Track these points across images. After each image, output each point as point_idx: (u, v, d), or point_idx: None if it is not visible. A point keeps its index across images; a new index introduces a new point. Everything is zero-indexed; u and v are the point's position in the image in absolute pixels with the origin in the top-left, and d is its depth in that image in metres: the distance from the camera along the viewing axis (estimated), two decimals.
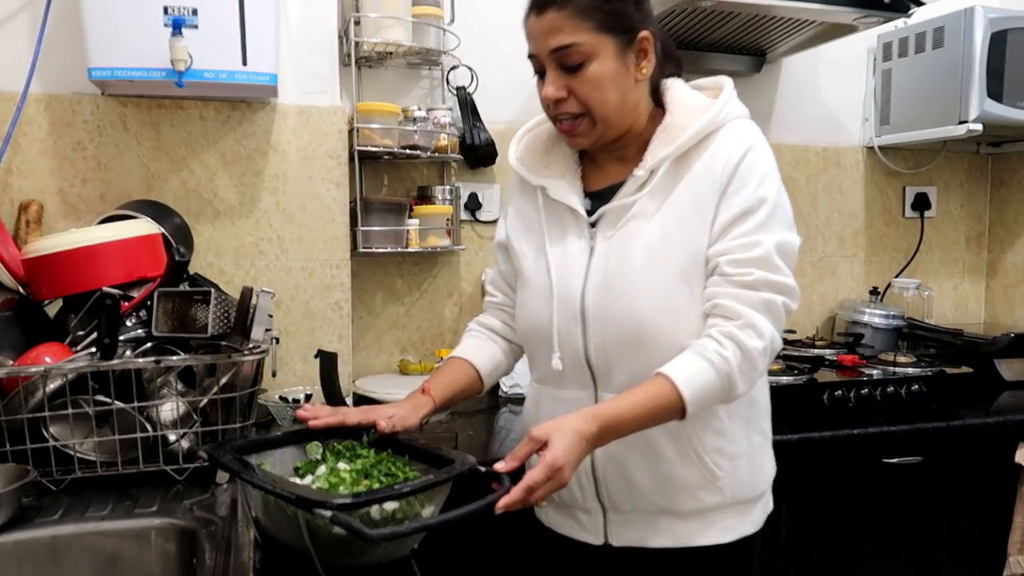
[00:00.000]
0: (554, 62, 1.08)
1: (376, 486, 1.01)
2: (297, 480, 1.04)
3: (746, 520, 1.19)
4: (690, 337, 1.07)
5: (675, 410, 1.02)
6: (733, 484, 1.15)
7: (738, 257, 1.05)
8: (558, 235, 1.18)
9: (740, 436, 1.16)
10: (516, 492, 0.92)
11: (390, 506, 0.94)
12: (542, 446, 0.96)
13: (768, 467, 1.24)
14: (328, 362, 1.25)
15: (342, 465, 1.06)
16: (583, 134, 1.12)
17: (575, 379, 1.16)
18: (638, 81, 1.12)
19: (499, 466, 0.96)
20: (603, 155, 1.19)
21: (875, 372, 1.87)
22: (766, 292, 1.04)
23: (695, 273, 1.09)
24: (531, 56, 1.12)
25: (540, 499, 0.94)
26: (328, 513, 0.84)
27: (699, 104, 1.13)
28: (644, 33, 1.10)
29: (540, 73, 1.13)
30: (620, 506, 1.17)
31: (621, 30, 1.08)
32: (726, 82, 1.17)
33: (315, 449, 1.13)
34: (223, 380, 1.32)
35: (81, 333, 1.38)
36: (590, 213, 1.16)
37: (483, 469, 0.98)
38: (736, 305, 1.04)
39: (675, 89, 1.17)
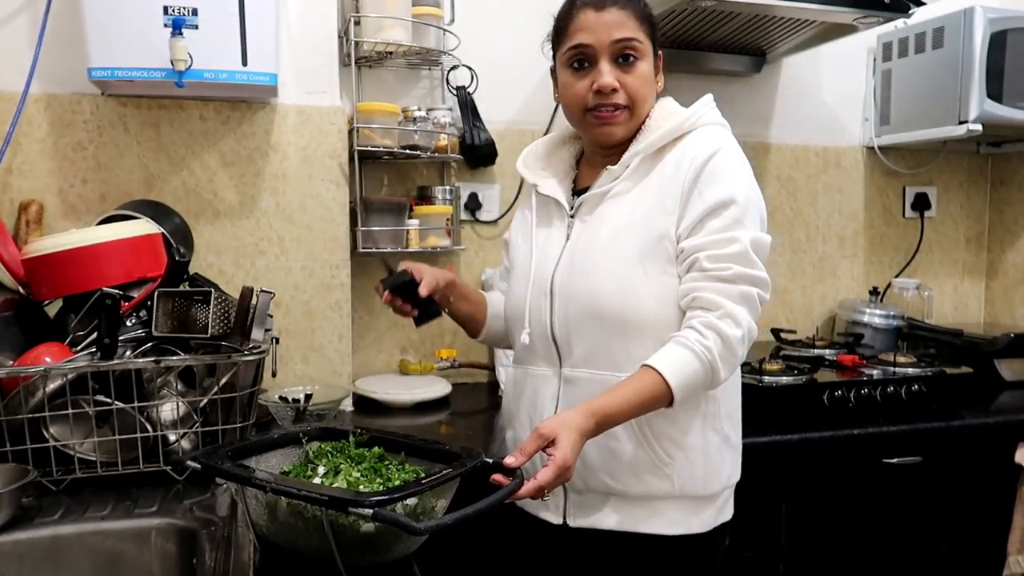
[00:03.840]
0: (611, 54, 1.17)
1: (396, 483, 1.02)
2: None
3: (696, 518, 1.21)
4: (641, 316, 1.15)
5: (663, 399, 1.09)
6: (683, 476, 1.18)
7: (716, 253, 1.11)
8: (544, 226, 1.30)
9: (694, 429, 1.19)
10: (527, 490, 0.98)
11: (411, 501, 0.96)
12: (549, 443, 1.01)
13: (726, 469, 1.24)
14: (401, 279, 1.23)
15: (345, 466, 1.06)
16: (621, 123, 1.20)
17: (543, 355, 1.24)
18: (656, 92, 1.24)
19: (508, 460, 1.00)
20: (599, 160, 1.28)
21: (875, 372, 1.87)
22: (743, 285, 1.11)
23: (652, 256, 1.16)
24: (581, 46, 1.18)
25: (547, 494, 1.01)
26: (369, 511, 0.85)
27: (677, 110, 1.24)
28: (659, 52, 1.24)
29: (580, 66, 1.20)
30: (575, 484, 1.21)
31: (655, 42, 1.22)
32: (705, 96, 1.25)
33: (316, 451, 1.14)
34: (223, 380, 1.32)
35: (81, 333, 1.38)
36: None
37: (491, 461, 1.03)
38: (715, 297, 1.10)
39: (662, 102, 1.26)
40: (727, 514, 1.26)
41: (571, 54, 1.19)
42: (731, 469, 1.26)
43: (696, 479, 1.19)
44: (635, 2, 1.19)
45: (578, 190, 1.29)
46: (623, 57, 1.17)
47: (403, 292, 1.22)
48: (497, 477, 0.98)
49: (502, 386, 1.98)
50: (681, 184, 1.15)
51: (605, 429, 1.07)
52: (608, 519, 1.21)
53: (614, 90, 1.17)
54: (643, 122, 1.23)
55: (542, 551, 1.29)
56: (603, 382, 1.15)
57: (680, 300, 1.15)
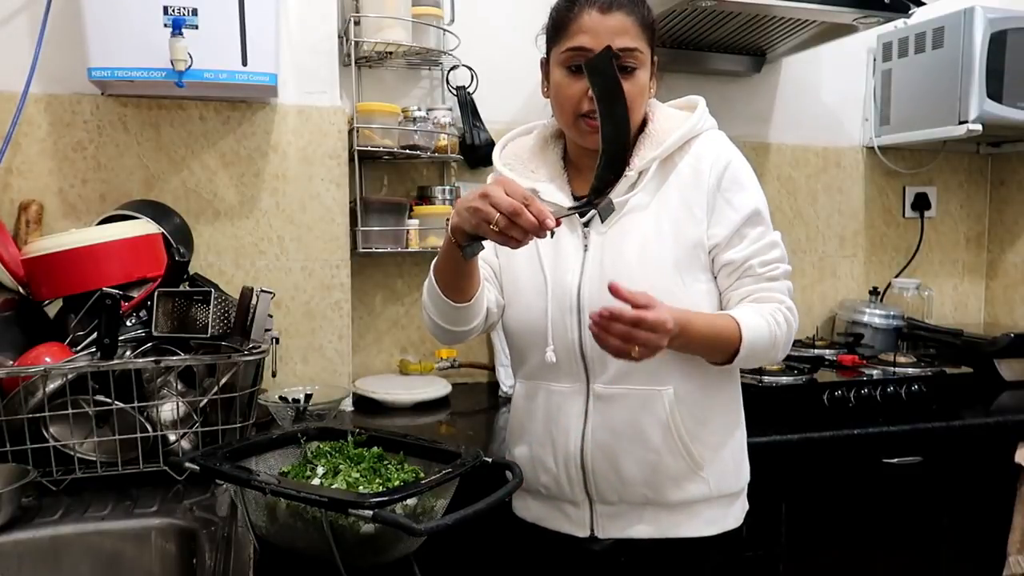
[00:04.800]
0: None
1: (395, 483, 1.02)
2: None
3: (728, 514, 1.24)
4: None
5: (731, 347, 1.12)
6: (717, 475, 1.21)
7: (765, 258, 1.18)
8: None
9: (723, 428, 1.23)
10: (628, 315, 0.98)
11: (411, 501, 0.96)
12: (644, 307, 1.00)
13: (746, 464, 1.29)
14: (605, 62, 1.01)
15: (344, 467, 1.07)
16: None
17: (568, 371, 1.21)
18: (648, 99, 1.22)
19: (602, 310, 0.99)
20: (587, 163, 1.24)
21: (875, 372, 1.87)
22: (786, 281, 1.20)
23: (687, 265, 1.17)
24: (581, 49, 1.14)
25: (631, 348, 1.00)
26: (369, 512, 0.85)
27: (677, 116, 1.23)
28: (655, 58, 1.22)
29: (576, 68, 1.15)
30: (607, 497, 1.21)
31: (653, 49, 1.20)
32: (699, 100, 1.26)
33: (315, 451, 1.14)
34: (223, 380, 1.32)
35: (81, 333, 1.37)
36: (581, 214, 1.20)
37: (490, 460, 1.07)
38: (774, 294, 1.18)
39: (654, 106, 1.26)
40: (747, 504, 1.30)
41: (569, 55, 1.15)
42: (748, 462, 1.30)
43: (728, 476, 1.23)
44: (639, 8, 1.16)
45: (577, 196, 1.23)
46: (622, 67, 1.14)
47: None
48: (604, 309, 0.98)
49: (502, 386, 1.98)
50: (706, 192, 1.16)
51: (682, 342, 1.06)
52: (643, 528, 1.20)
53: None
54: (641, 128, 1.21)
55: (566, 566, 1.27)
56: (641, 396, 1.17)
57: (731, 305, 1.18)
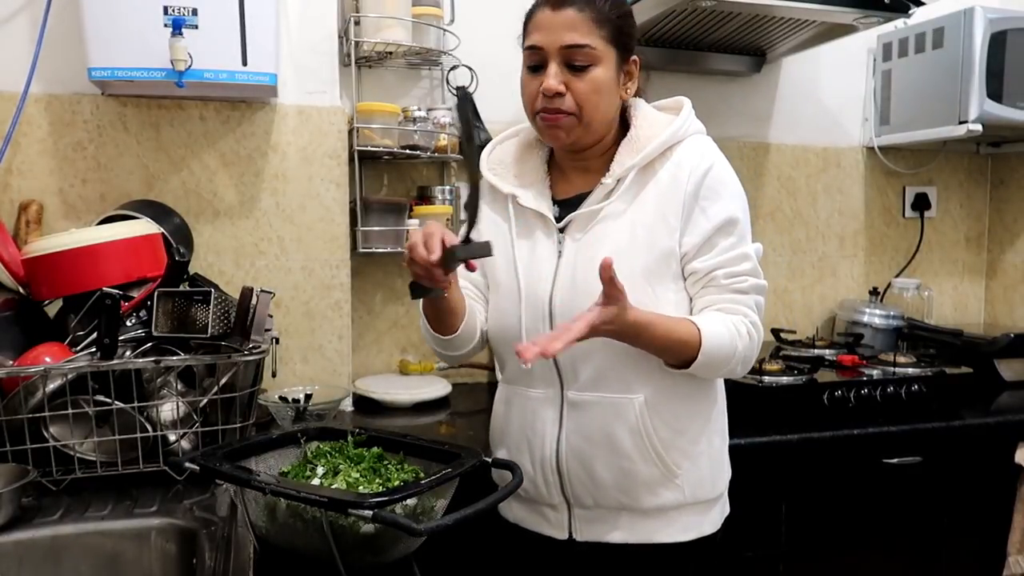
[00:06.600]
0: (561, 58, 1.13)
1: (395, 483, 1.02)
2: None
3: (705, 520, 1.23)
4: None
5: (690, 351, 1.10)
6: (693, 483, 1.20)
7: (733, 270, 1.15)
8: (527, 240, 1.23)
9: (700, 435, 1.21)
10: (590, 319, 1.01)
11: (411, 501, 0.97)
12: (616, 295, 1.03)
13: (726, 469, 1.29)
14: (465, 100, 1.09)
15: (344, 467, 1.06)
16: (565, 128, 1.16)
17: (542, 377, 1.21)
18: (621, 98, 1.20)
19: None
20: (569, 165, 1.25)
21: (875, 372, 1.87)
22: (755, 295, 1.17)
23: (659, 273, 1.16)
24: (534, 47, 1.15)
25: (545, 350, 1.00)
26: (368, 512, 0.85)
27: (661, 120, 1.21)
28: (635, 58, 1.20)
29: (535, 67, 1.16)
30: (583, 501, 1.21)
31: (623, 48, 1.17)
32: (685, 101, 1.24)
33: (315, 451, 1.14)
34: (223, 380, 1.32)
35: (81, 333, 1.37)
36: (559, 219, 1.21)
37: (490, 460, 1.08)
38: (737, 307, 1.15)
39: (639, 107, 1.24)
40: (728, 508, 1.30)
41: (527, 54, 1.17)
42: (728, 467, 1.30)
43: (705, 483, 1.22)
44: (593, 4, 1.13)
45: (558, 201, 1.24)
46: (571, 65, 1.13)
47: (454, 263, 1.05)
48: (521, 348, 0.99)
49: None
50: (681, 200, 1.15)
51: (635, 336, 1.08)
52: (619, 533, 1.21)
53: (559, 94, 1.12)
54: (623, 132, 1.20)
55: (545, 568, 1.28)
56: (614, 404, 1.16)
57: (695, 313, 1.17)
